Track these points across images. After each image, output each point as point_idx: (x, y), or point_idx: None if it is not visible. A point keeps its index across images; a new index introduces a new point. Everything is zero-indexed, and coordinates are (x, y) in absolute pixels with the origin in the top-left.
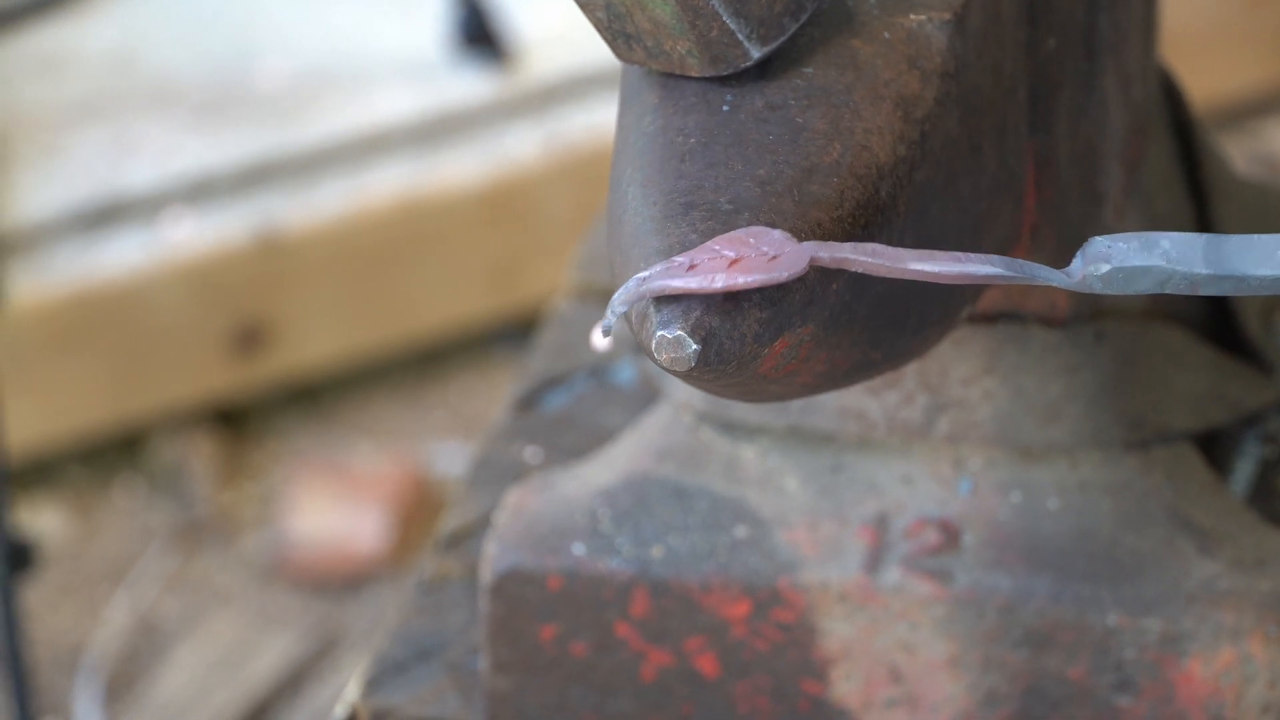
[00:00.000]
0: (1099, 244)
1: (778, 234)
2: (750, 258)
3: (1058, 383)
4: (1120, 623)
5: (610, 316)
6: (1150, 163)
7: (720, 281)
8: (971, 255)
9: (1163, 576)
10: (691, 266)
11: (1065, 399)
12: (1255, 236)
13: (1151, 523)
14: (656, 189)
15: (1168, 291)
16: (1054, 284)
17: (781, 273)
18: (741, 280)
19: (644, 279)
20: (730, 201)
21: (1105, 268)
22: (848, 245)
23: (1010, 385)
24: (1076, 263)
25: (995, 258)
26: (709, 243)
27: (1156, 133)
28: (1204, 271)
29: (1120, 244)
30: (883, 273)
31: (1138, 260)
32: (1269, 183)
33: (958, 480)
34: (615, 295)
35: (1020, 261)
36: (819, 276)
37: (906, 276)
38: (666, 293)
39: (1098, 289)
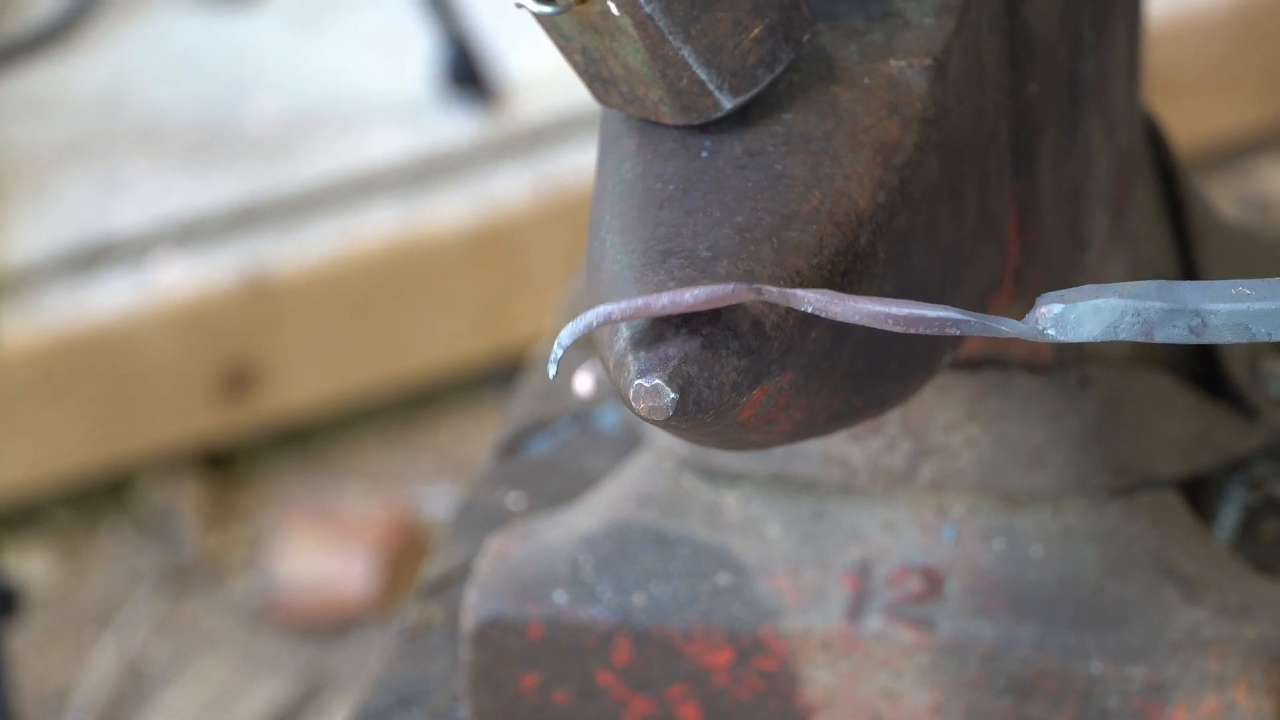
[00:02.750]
0: (1050, 295)
1: (731, 285)
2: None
3: (1041, 429)
4: (1105, 671)
5: (557, 349)
6: (1135, 207)
7: (665, 299)
8: (924, 303)
9: (1147, 624)
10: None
11: (1049, 445)
12: (1211, 282)
13: (1136, 570)
14: (635, 236)
15: (1121, 336)
16: (1008, 332)
17: (727, 288)
18: (689, 296)
19: (589, 313)
20: (709, 249)
21: (1057, 309)
22: (801, 289)
23: (994, 432)
24: (1030, 313)
25: (947, 306)
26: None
27: (1141, 177)
28: (1158, 305)
29: (1072, 292)
30: (834, 315)
31: (1089, 299)
32: (1256, 226)
33: (941, 527)
34: (563, 330)
35: (973, 313)
36: (798, 324)
37: (855, 320)
38: (613, 318)
39: (1050, 334)
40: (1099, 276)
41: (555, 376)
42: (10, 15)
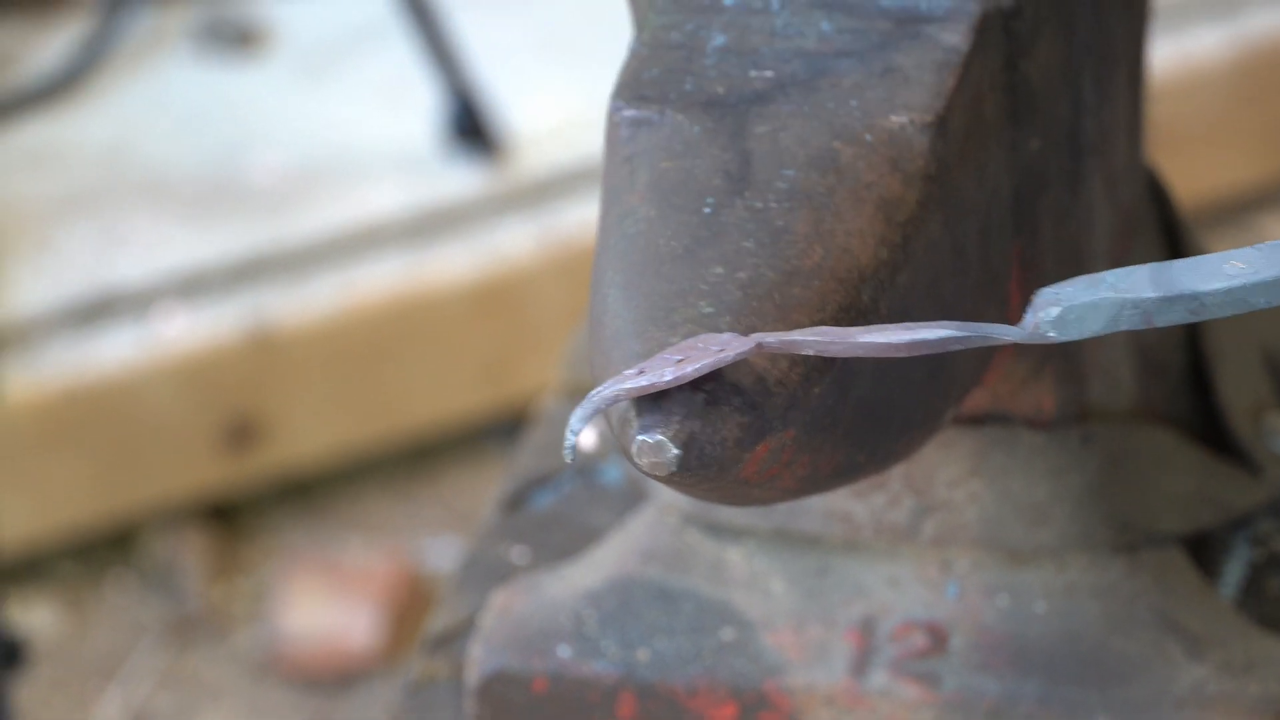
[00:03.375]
0: (1046, 292)
1: (726, 335)
2: (697, 351)
3: (1045, 485)
4: None
5: (570, 436)
6: (1137, 261)
7: (670, 374)
8: (922, 324)
9: (1151, 680)
10: (640, 372)
11: (1052, 501)
12: (1201, 256)
13: (1140, 626)
14: (638, 292)
15: (1122, 328)
16: (1008, 339)
17: (728, 355)
18: (690, 369)
19: (597, 394)
20: (711, 305)
21: (1055, 311)
22: (796, 331)
23: (997, 488)
24: (1028, 316)
25: (946, 322)
26: (660, 353)
27: (1144, 233)
28: (1153, 295)
29: (1067, 287)
30: (835, 352)
31: (1085, 297)
32: None
33: (945, 583)
34: (574, 413)
35: (972, 324)
36: (801, 380)
37: (858, 353)
38: (620, 399)
39: (1052, 335)
40: (1103, 338)
41: (569, 456)
42: (15, 68)
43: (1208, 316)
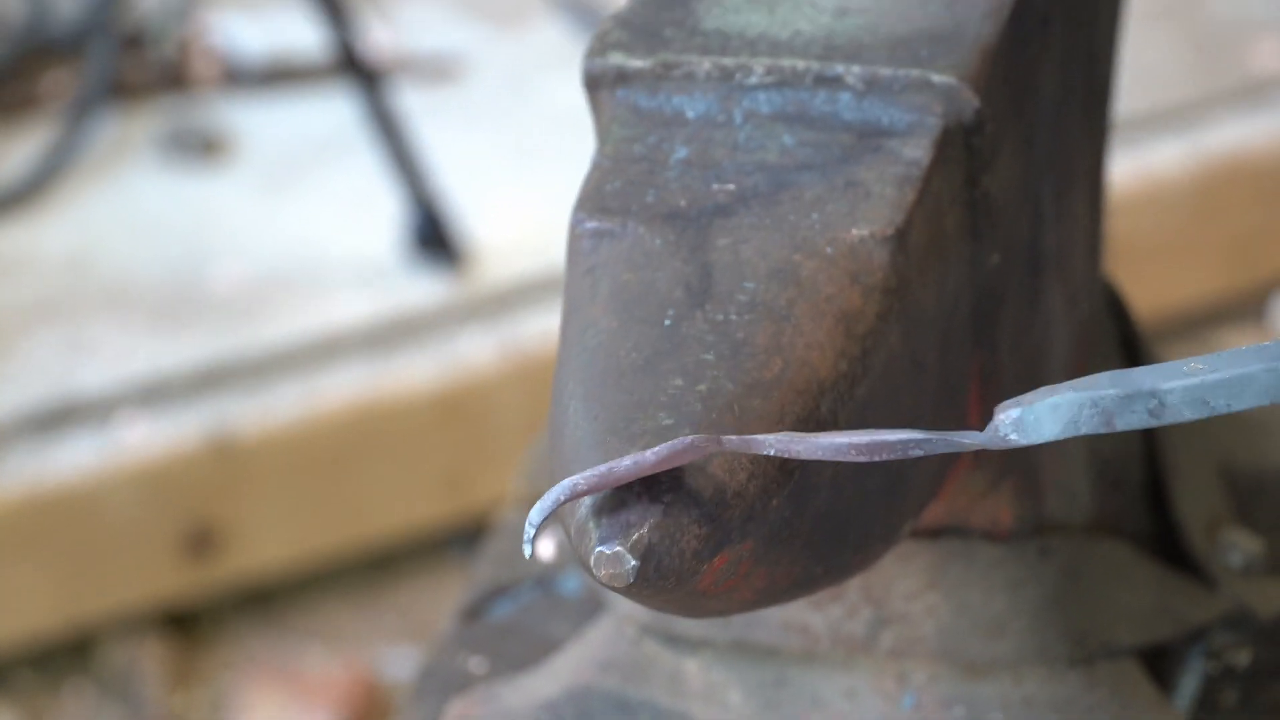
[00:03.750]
0: (1007, 402)
1: (690, 438)
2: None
3: (1002, 598)
4: None
5: (529, 529)
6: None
7: (628, 461)
8: (884, 430)
9: None
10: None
11: (1009, 614)
12: (1162, 363)
13: None
14: (598, 403)
15: (1083, 431)
16: (969, 444)
17: (685, 441)
18: (650, 456)
19: (556, 489)
20: (671, 416)
21: (1015, 413)
22: (759, 436)
23: (954, 600)
24: (990, 424)
25: (908, 429)
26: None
27: (1102, 347)
28: (1113, 392)
29: (1027, 396)
30: (796, 454)
31: (1045, 399)
32: None
33: (901, 695)
34: (533, 509)
35: (933, 431)
36: (759, 492)
37: (819, 455)
38: (576, 493)
39: (1012, 438)
40: (1059, 449)
41: (529, 552)
42: None
43: (1168, 418)
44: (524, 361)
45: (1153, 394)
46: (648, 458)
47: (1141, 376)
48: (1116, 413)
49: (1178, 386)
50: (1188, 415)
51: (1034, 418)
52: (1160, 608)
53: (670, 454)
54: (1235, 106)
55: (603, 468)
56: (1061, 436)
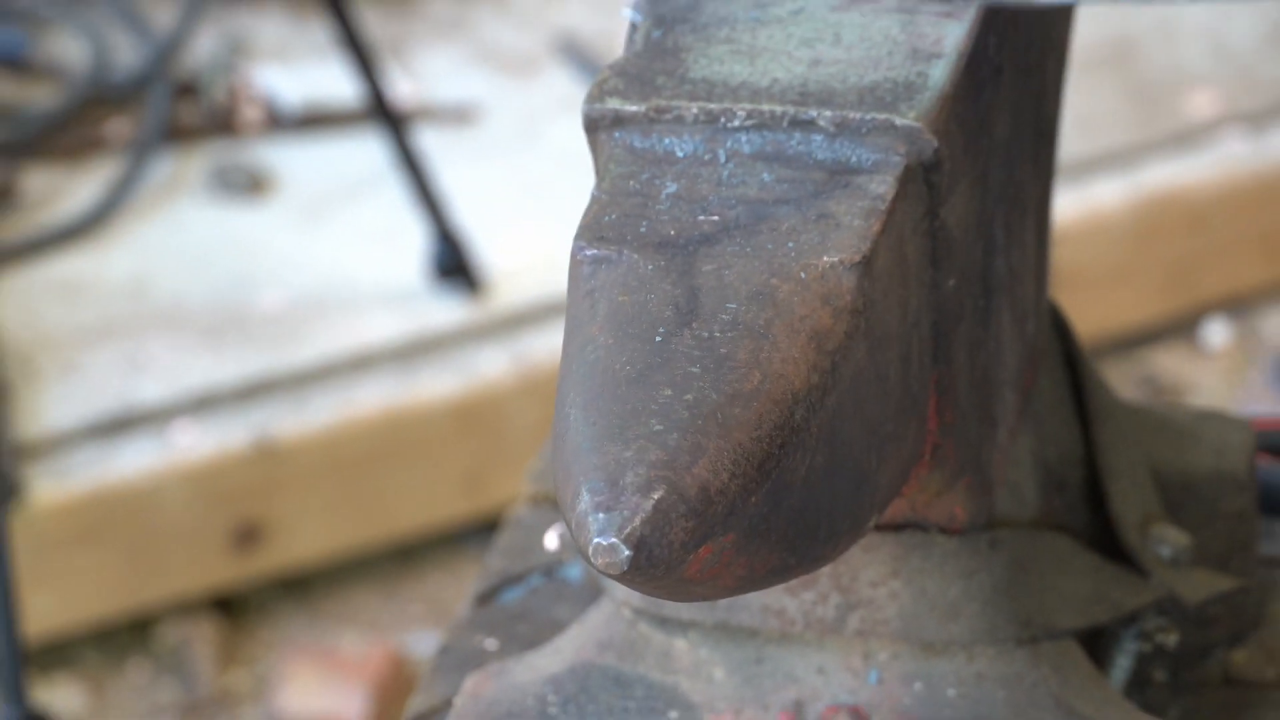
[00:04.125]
0: None
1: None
2: None
3: (956, 585)
4: None
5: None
6: (1041, 389)
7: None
8: None
9: None
10: None
11: (963, 599)
12: None
13: (1040, 711)
14: (596, 412)
15: None
16: None
17: None
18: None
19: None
20: (661, 423)
21: None
22: None
23: (914, 587)
24: None
25: None
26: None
27: (1048, 363)
28: None
29: None
30: None
31: None
32: (1146, 404)
33: (867, 671)
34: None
35: None
36: (740, 491)
37: None
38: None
39: None
40: (1009, 452)
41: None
42: (49, 209)
43: None
44: (534, 375)
45: None
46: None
47: None
48: None
49: None
50: None
51: None
52: (1098, 594)
53: None
54: (1169, 149)
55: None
56: None
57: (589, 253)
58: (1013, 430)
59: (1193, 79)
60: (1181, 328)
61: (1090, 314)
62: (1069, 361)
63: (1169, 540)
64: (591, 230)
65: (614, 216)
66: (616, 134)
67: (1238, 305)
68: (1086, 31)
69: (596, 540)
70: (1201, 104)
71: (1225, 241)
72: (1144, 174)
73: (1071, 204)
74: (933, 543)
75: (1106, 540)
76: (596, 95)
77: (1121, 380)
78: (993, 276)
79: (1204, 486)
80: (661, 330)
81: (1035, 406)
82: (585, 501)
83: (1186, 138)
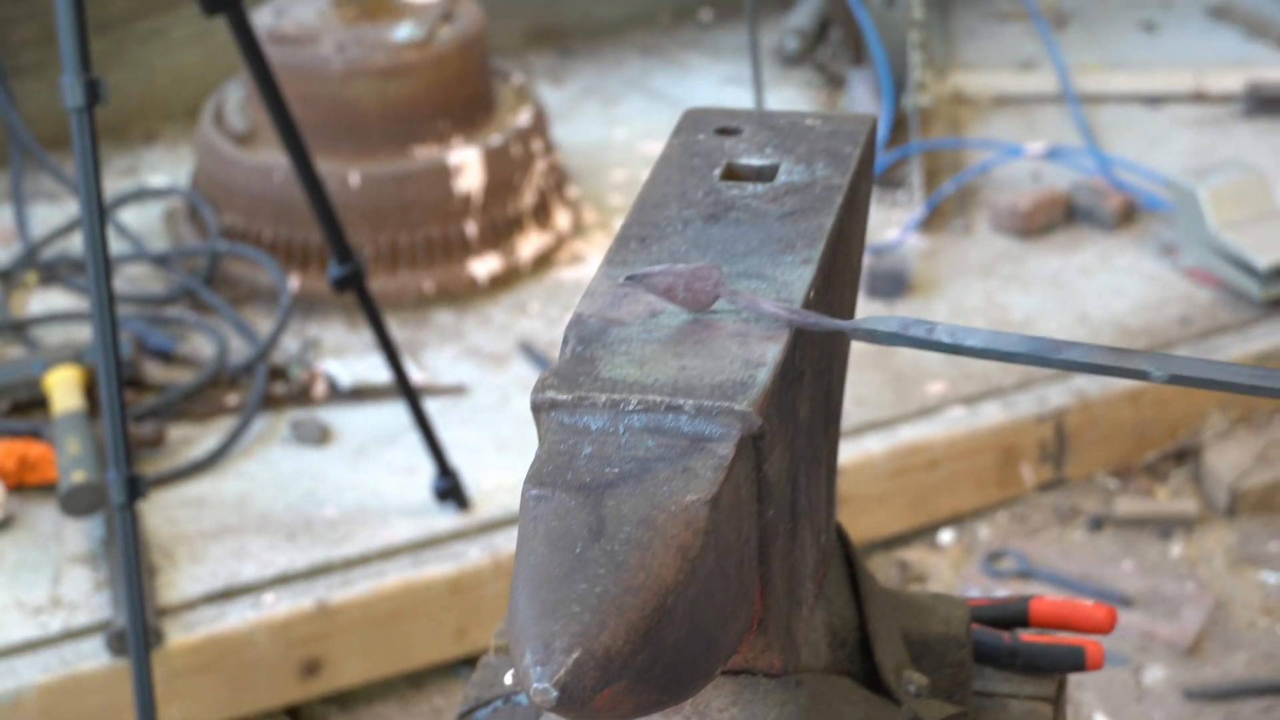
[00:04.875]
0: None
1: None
2: None
3: (774, 711)
4: None
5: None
6: (830, 580)
7: None
8: None
9: None
10: None
11: None
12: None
13: None
14: (535, 598)
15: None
16: None
17: None
18: None
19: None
20: (579, 607)
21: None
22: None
23: (747, 712)
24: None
25: None
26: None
27: (834, 562)
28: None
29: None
30: None
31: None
32: (898, 589)
33: None
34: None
35: None
36: (630, 652)
37: None
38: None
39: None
40: (809, 622)
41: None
42: (187, 450)
43: (938, 335)
44: (503, 564)
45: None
46: None
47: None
48: (911, 326)
49: (941, 326)
50: (945, 339)
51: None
52: (869, 718)
53: None
54: (914, 418)
55: None
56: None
57: (533, 492)
58: (811, 608)
59: (930, 373)
60: (923, 534)
61: (862, 524)
62: (848, 560)
63: (914, 681)
64: (534, 477)
65: (550, 468)
66: (553, 413)
67: (960, 519)
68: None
69: (535, 685)
70: (936, 389)
71: (950, 478)
72: (898, 434)
73: (850, 453)
74: (759, 683)
75: (873, 681)
76: (539, 388)
77: (883, 569)
78: (798, 508)
79: (936, 644)
80: (579, 545)
81: (827, 591)
82: (528, 658)
83: (926, 410)
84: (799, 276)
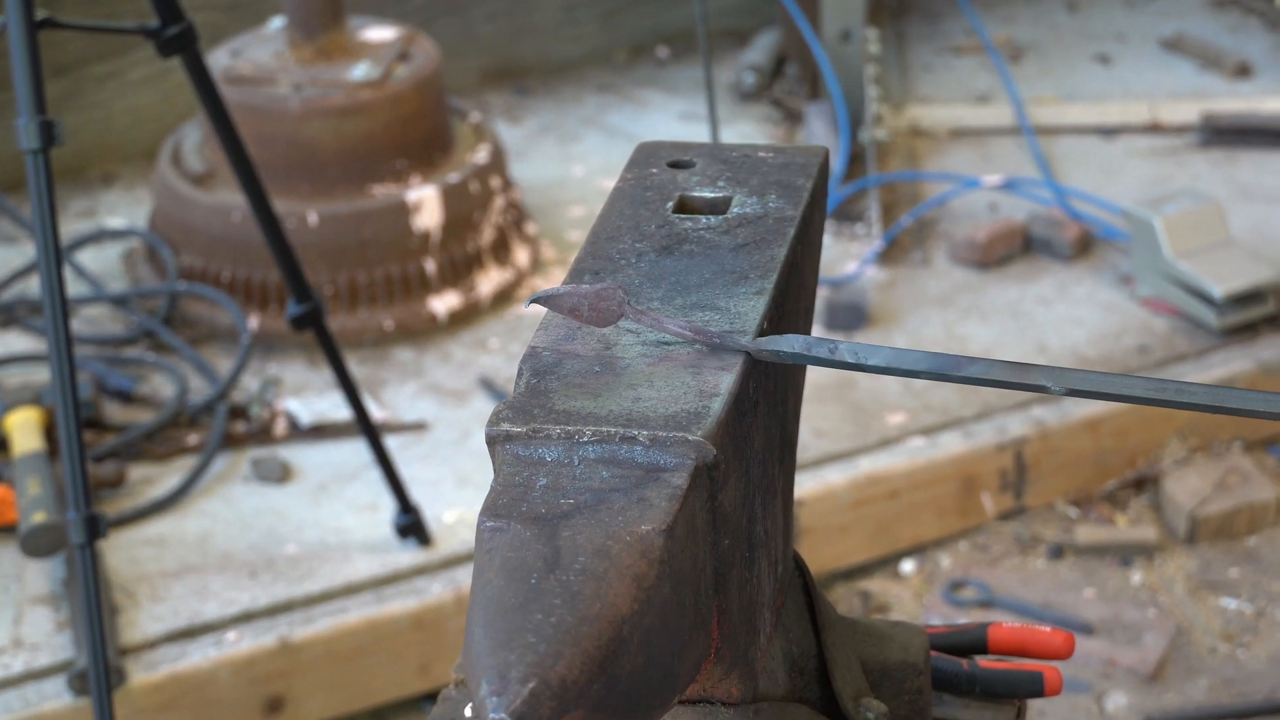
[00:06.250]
0: None
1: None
2: None
3: None
4: None
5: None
6: (788, 610)
7: None
8: None
9: None
10: None
11: None
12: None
13: None
14: (491, 629)
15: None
16: None
17: None
18: None
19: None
20: (534, 636)
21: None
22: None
23: None
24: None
25: None
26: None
27: (792, 591)
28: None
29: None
30: None
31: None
32: (857, 617)
33: None
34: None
35: None
36: (586, 681)
37: None
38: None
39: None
40: (767, 651)
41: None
42: (147, 489)
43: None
44: (464, 599)
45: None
46: None
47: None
48: (814, 346)
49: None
50: (848, 358)
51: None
52: None
53: None
54: (874, 449)
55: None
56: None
57: (488, 524)
58: (769, 636)
59: (890, 405)
60: (885, 563)
61: (824, 555)
62: (806, 589)
63: (872, 708)
64: (490, 509)
65: (505, 500)
66: (508, 446)
67: (922, 549)
68: (822, 374)
69: (491, 715)
70: (895, 420)
71: (911, 508)
72: (858, 464)
73: (812, 485)
74: (717, 712)
75: (832, 709)
76: (494, 420)
77: (846, 599)
78: (754, 537)
79: (895, 671)
80: (535, 575)
81: (784, 620)
82: (485, 689)
83: (886, 441)
84: (752, 307)
